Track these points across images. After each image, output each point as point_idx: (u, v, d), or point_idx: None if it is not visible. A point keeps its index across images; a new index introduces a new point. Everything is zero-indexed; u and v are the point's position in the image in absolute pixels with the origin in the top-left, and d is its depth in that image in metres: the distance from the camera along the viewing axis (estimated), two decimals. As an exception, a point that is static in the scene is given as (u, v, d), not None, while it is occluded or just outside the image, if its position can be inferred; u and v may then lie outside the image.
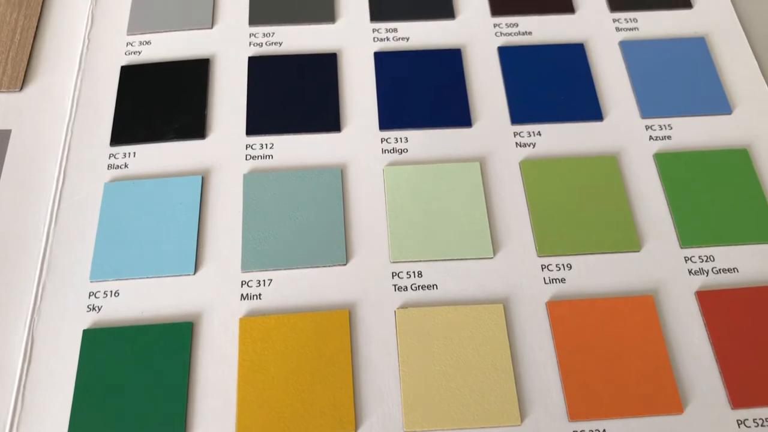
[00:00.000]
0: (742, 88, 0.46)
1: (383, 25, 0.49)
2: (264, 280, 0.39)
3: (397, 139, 0.44)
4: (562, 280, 0.39)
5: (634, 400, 0.35)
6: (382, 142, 0.44)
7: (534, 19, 0.49)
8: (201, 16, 0.49)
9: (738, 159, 0.43)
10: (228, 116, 0.45)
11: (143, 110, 0.44)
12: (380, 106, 0.45)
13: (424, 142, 0.43)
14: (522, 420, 0.35)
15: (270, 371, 0.36)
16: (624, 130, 0.44)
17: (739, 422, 0.35)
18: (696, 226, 0.40)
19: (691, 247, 0.40)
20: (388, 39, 0.48)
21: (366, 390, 0.36)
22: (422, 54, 0.47)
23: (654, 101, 0.45)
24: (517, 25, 0.49)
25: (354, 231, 0.40)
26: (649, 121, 0.45)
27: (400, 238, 0.40)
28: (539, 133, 0.44)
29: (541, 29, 0.49)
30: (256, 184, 0.42)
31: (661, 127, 0.44)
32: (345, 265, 0.39)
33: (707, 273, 0.39)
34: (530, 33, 0.48)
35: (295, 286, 0.39)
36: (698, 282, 0.39)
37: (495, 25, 0.49)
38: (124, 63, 0.47)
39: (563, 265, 0.39)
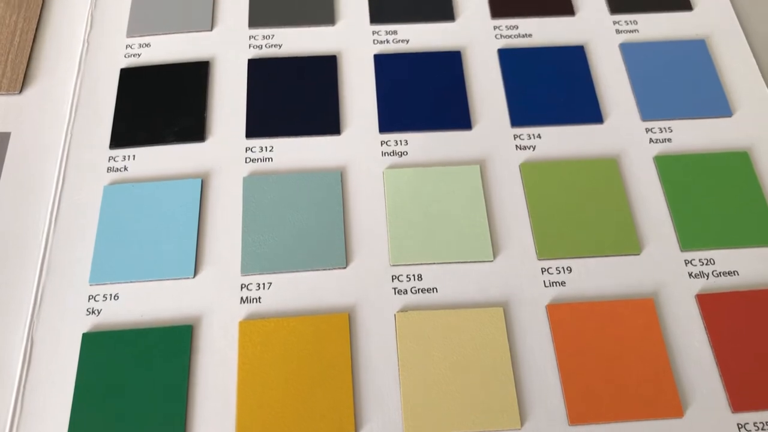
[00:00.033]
0: (743, 90, 0.46)
1: (383, 27, 0.49)
2: (264, 284, 0.39)
3: (397, 141, 0.44)
4: (562, 284, 0.39)
5: (634, 404, 0.35)
6: (381, 144, 0.43)
7: (534, 21, 0.49)
8: (200, 18, 0.49)
9: (738, 162, 0.43)
10: (228, 119, 0.44)
11: (143, 113, 0.44)
12: (380, 109, 0.45)
13: (424, 144, 0.43)
14: (522, 423, 0.35)
15: (270, 375, 0.36)
16: (624, 133, 0.44)
17: (740, 426, 0.35)
18: (696, 229, 0.40)
19: (692, 250, 0.40)
20: (387, 41, 0.48)
21: (366, 394, 0.36)
22: (422, 56, 0.47)
23: (654, 104, 0.45)
24: (517, 28, 0.49)
25: (354, 234, 0.40)
26: (650, 124, 0.45)
27: (399, 241, 0.40)
28: (539, 136, 0.44)
29: (541, 31, 0.48)
30: (255, 187, 0.42)
31: (661, 129, 0.44)
32: (345, 268, 0.39)
33: (707, 276, 0.39)
34: (530, 35, 0.48)
35: (294, 290, 0.38)
36: (698, 285, 0.39)
37: (495, 27, 0.49)
38: (123, 65, 0.47)
39: (563, 268, 0.39)
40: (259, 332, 0.37)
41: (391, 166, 0.43)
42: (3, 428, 0.35)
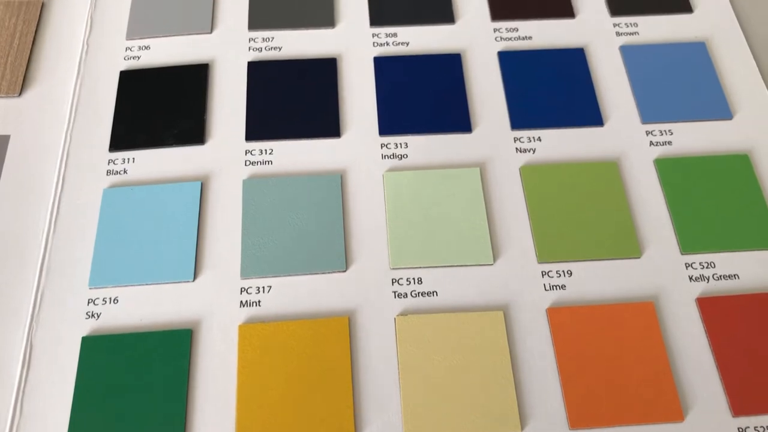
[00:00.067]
0: (743, 93, 0.46)
1: (383, 30, 0.49)
2: (263, 287, 0.39)
3: (396, 144, 0.44)
4: (563, 287, 0.39)
5: (634, 408, 0.35)
6: (381, 147, 0.43)
7: (534, 23, 0.49)
8: (200, 20, 0.49)
9: (739, 164, 0.43)
10: (227, 121, 0.44)
11: (142, 115, 0.44)
12: (380, 112, 0.45)
13: (424, 147, 0.43)
14: (522, 427, 0.35)
15: (269, 378, 0.36)
16: (624, 136, 0.44)
17: (741, 430, 0.35)
18: (697, 233, 0.40)
19: (692, 254, 0.40)
20: (387, 44, 0.48)
21: (366, 397, 0.36)
22: (422, 59, 0.47)
23: (654, 106, 0.45)
24: (517, 30, 0.49)
25: (354, 237, 0.40)
26: (650, 127, 0.44)
27: (399, 244, 0.40)
28: (539, 139, 0.44)
29: (541, 34, 0.48)
30: (255, 189, 0.41)
31: (661, 132, 0.44)
32: (345, 271, 0.39)
33: (708, 279, 0.39)
34: (530, 38, 0.48)
35: (294, 293, 0.38)
36: (699, 288, 0.39)
37: (495, 30, 0.49)
38: (123, 68, 0.47)
39: (563, 271, 0.39)
40: (258, 336, 0.37)
41: (391, 169, 0.43)
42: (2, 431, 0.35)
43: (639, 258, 0.40)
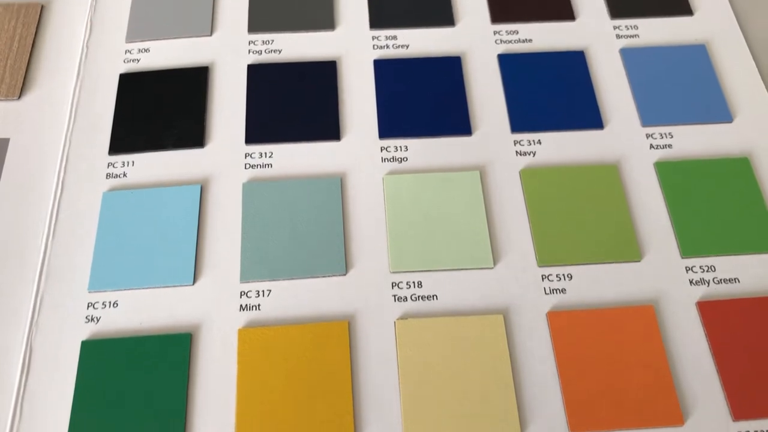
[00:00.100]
0: (743, 96, 0.46)
1: (383, 33, 0.48)
2: (263, 291, 0.39)
3: (396, 147, 0.43)
4: (563, 291, 0.39)
5: (634, 412, 0.35)
6: (381, 150, 0.43)
7: (534, 26, 0.49)
8: (200, 23, 0.49)
9: (739, 168, 0.42)
10: (227, 124, 0.44)
11: (142, 118, 0.44)
12: (380, 115, 0.45)
13: (423, 150, 0.43)
14: (522, 431, 0.35)
15: (269, 383, 0.36)
16: (624, 139, 0.44)
17: (741, 434, 0.35)
18: (697, 236, 0.40)
19: (692, 257, 0.40)
20: (387, 46, 0.48)
21: (366, 401, 0.36)
22: (422, 62, 0.47)
23: (655, 109, 0.45)
24: (518, 33, 0.49)
25: (353, 240, 0.40)
26: (650, 130, 0.44)
27: (399, 247, 0.40)
28: (539, 142, 0.44)
29: (542, 36, 0.48)
30: (255, 193, 0.41)
31: (661, 135, 0.44)
32: (344, 275, 0.39)
33: (708, 283, 0.39)
34: (530, 40, 0.48)
35: (294, 297, 0.38)
36: (699, 292, 0.39)
37: (495, 33, 0.49)
38: (122, 71, 0.46)
39: (564, 275, 0.39)
40: (258, 340, 0.37)
41: (391, 172, 0.43)
42: (2, 436, 0.35)
43: (639, 261, 0.40)
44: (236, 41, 0.48)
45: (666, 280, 0.39)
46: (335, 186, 0.42)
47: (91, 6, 0.50)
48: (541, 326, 0.38)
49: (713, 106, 0.45)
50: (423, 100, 0.45)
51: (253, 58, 0.47)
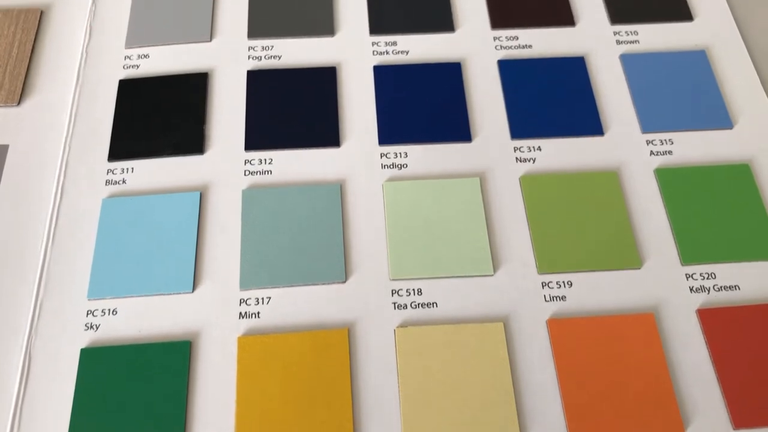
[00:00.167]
0: (744, 102, 0.46)
1: (383, 39, 0.48)
2: (262, 298, 0.38)
3: (396, 154, 0.43)
4: (563, 298, 0.39)
5: (634, 420, 0.35)
6: (381, 157, 0.43)
7: (534, 32, 0.49)
8: (200, 29, 0.49)
9: (740, 174, 0.42)
10: (227, 131, 0.44)
11: (141, 125, 0.44)
12: (380, 121, 0.45)
13: (423, 157, 0.43)
14: (522, 440, 0.35)
15: (269, 391, 0.36)
16: (625, 145, 0.44)
17: (741, 442, 0.35)
18: (697, 243, 0.40)
19: (693, 265, 0.40)
20: (387, 52, 0.48)
21: (366, 409, 0.36)
22: (422, 68, 0.47)
23: (655, 116, 0.45)
24: (518, 38, 0.49)
25: (353, 247, 0.40)
26: (650, 136, 0.44)
27: (399, 255, 0.40)
28: (539, 148, 0.44)
29: (542, 42, 0.48)
30: (254, 200, 0.41)
31: (662, 141, 0.44)
32: (344, 282, 0.39)
33: (708, 290, 0.39)
34: (530, 46, 0.48)
35: (293, 304, 0.38)
36: (699, 300, 0.39)
37: (495, 38, 0.49)
38: (122, 77, 0.46)
39: (564, 282, 0.39)
40: (258, 348, 0.37)
41: (391, 179, 0.42)
42: (1, 444, 0.35)
43: (639, 269, 0.39)
44: (236, 47, 0.48)
45: (666, 287, 0.39)
46: (335, 192, 0.42)
47: (90, 12, 0.50)
48: (541, 334, 0.38)
49: (713, 113, 0.45)
50: (423, 107, 0.45)
51: (253, 64, 0.47)
